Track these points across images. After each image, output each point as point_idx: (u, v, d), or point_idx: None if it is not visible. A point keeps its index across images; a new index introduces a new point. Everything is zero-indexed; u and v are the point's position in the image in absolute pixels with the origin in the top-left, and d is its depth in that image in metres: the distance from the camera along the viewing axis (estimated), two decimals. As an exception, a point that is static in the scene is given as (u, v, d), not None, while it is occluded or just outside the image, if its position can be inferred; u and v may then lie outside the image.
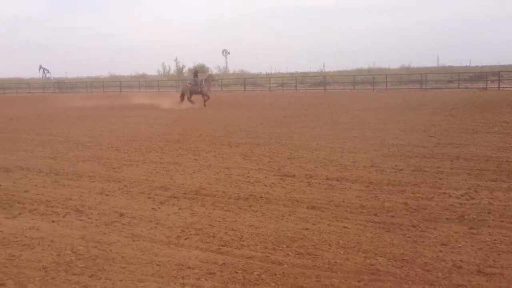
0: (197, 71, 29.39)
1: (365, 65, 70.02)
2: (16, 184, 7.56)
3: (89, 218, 5.69)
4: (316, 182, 7.28)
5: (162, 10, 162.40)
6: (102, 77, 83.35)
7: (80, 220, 5.62)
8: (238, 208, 6.02)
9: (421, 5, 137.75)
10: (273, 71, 77.59)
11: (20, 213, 5.93)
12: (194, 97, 26.60)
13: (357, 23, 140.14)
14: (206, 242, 4.82)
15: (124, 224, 5.43)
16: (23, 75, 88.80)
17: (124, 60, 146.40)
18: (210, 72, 26.76)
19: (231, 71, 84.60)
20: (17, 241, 4.91)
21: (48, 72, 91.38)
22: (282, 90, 50.70)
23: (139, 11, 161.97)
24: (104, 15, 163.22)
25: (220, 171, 8.29)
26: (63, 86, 68.52)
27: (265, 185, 7.18)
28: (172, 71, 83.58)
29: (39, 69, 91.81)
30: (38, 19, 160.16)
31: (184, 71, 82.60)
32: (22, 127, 16.57)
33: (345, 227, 5.17)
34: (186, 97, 26.67)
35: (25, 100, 31.74)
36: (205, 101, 26.38)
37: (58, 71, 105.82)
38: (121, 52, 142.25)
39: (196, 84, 26.86)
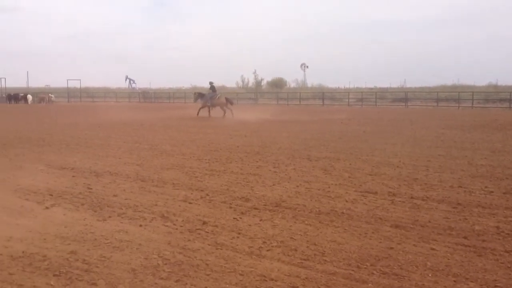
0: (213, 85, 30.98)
1: (448, 82, 67.39)
2: (105, 188, 7.93)
3: (174, 224, 5.86)
4: (399, 201, 7.07)
5: (243, 23, 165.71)
6: (183, 88, 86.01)
7: (166, 226, 5.79)
8: (319, 222, 5.97)
9: (508, 18, 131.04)
10: (352, 85, 76.62)
11: (109, 216, 6.21)
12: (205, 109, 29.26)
13: (440, 37, 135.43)
14: (288, 255, 4.81)
15: (207, 232, 5.53)
16: (110, 85, 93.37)
17: (205, 71, 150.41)
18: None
19: (309, 85, 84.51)
20: (108, 243, 5.14)
21: (133, 82, 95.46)
22: (361, 105, 49.92)
23: (220, 24, 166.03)
24: (187, 27, 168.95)
25: (300, 184, 8.26)
26: (148, 96, 71.30)
27: (346, 201, 7.07)
28: (250, 84, 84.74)
29: (126, 80, 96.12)
30: (126, 32, 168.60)
31: (262, 84, 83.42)
32: (110, 134, 17.40)
33: (433, 249, 4.97)
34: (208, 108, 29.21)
35: (112, 109, 33.46)
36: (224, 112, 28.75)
37: (142, 82, 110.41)
38: (202, 64, 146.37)
39: (214, 97, 29.40)
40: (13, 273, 4.33)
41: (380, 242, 5.20)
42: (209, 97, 29.46)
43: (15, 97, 56.67)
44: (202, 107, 29.43)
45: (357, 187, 8.02)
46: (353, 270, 4.39)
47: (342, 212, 6.41)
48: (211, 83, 30.10)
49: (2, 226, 5.75)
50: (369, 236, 5.44)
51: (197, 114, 29.05)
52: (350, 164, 10.44)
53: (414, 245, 5.10)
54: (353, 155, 11.78)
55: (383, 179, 8.72)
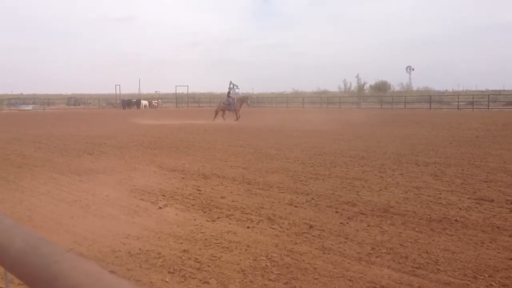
0: (230, 91, 32.14)
1: None
2: (214, 190, 8.20)
3: (280, 227, 5.91)
4: (519, 209, 6.59)
5: (346, 28, 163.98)
6: (285, 92, 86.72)
7: (273, 228, 5.86)
8: (431, 230, 5.72)
9: None
10: (461, 88, 72.87)
11: (218, 217, 6.41)
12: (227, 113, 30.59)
13: None
14: (399, 262, 4.66)
15: (314, 236, 5.52)
16: (215, 90, 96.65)
17: (307, 76, 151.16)
18: (245, 94, 29.87)
19: (414, 88, 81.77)
20: (217, 243, 5.31)
21: (237, 88, 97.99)
22: (472, 109, 47.21)
23: (323, 30, 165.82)
24: (290, 34, 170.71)
25: (408, 190, 7.98)
26: (251, 101, 72.83)
27: (460, 208, 6.71)
28: (353, 88, 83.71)
29: (229, 85, 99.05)
30: (235, 39, 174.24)
31: (365, 88, 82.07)
32: (216, 138, 17.95)
33: (560, 262, 4.57)
34: (218, 114, 30.38)
35: (214, 113, 34.42)
36: (237, 118, 29.63)
37: (245, 87, 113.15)
38: (305, 69, 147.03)
39: (229, 104, 30.69)
40: (131, 269, 4.60)
41: (499, 253, 4.88)
42: (233, 102, 30.71)
43: (128, 102, 60.58)
44: (220, 110, 30.54)
45: (471, 194, 7.59)
46: (469, 281, 4.16)
47: (456, 220, 6.10)
48: (229, 88, 31.13)
49: (120, 224, 6.14)
50: (486, 245, 5.13)
51: (235, 121, 29.56)
52: (462, 170, 9.90)
53: (538, 257, 4.73)
54: (465, 161, 11.16)
55: (499, 186, 8.19)
